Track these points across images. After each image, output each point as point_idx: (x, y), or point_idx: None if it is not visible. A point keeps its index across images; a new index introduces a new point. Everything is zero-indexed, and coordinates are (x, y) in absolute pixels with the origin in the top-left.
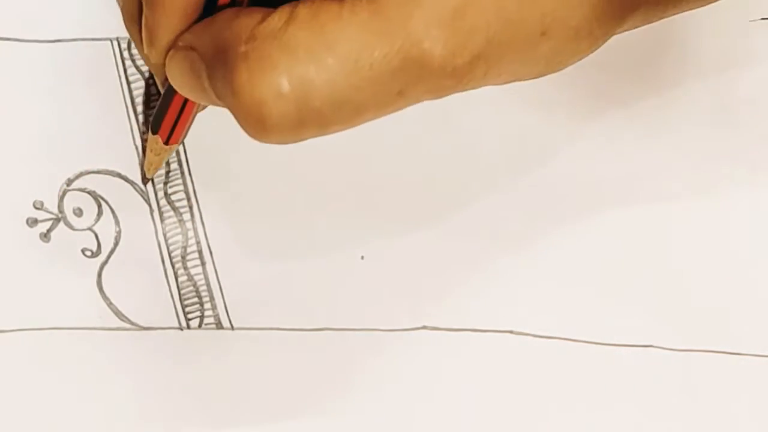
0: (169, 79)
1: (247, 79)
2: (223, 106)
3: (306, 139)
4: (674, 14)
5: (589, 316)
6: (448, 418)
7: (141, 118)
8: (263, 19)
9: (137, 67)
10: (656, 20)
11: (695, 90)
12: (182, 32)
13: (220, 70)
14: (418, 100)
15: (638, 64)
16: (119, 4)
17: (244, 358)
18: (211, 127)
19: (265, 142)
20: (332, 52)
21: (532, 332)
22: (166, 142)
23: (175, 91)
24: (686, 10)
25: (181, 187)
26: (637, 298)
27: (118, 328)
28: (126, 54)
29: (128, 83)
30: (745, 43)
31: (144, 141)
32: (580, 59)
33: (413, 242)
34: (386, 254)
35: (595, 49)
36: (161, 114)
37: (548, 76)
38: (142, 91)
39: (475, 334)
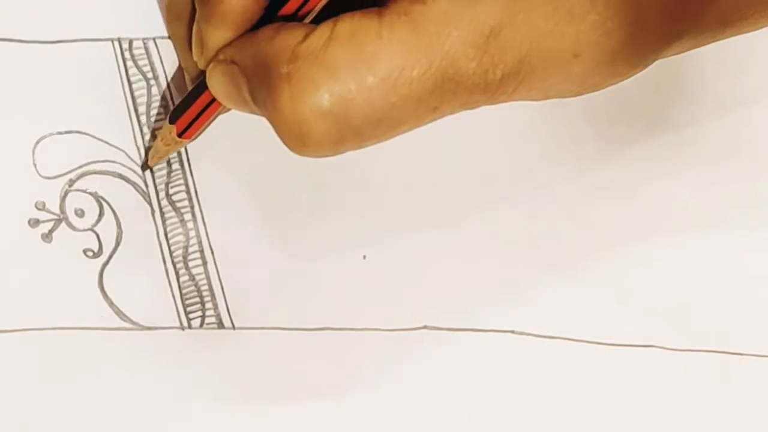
0: (210, 88)
1: (289, 99)
2: (262, 116)
3: (344, 152)
4: (724, 38)
5: (589, 316)
6: (449, 418)
7: (143, 118)
8: (305, 38)
9: (138, 68)
10: (706, 44)
11: (695, 90)
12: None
13: (262, 87)
14: (451, 113)
15: None
16: (163, 2)
17: (246, 357)
18: (213, 128)
19: (305, 156)
20: (372, 71)
21: (533, 332)
22: (180, 135)
23: (204, 88)
24: (735, 35)
25: (183, 188)
26: (638, 298)
27: (119, 328)
28: (127, 54)
29: (129, 84)
30: (746, 44)
31: (155, 130)
32: (622, 80)
33: (415, 242)
34: (388, 254)
35: (637, 72)
36: (184, 107)
37: None
38: (143, 91)
39: (476, 334)
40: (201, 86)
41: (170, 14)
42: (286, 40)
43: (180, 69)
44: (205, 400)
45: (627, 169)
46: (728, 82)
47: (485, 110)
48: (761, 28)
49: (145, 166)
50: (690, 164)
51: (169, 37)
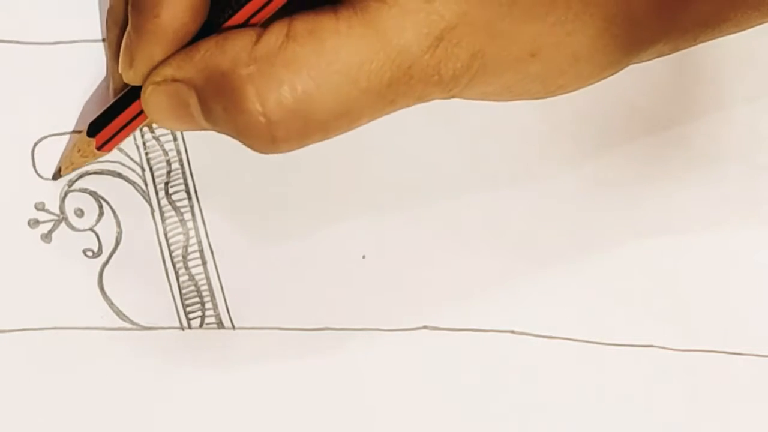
0: (147, 113)
1: (256, 99)
2: (212, 130)
3: (308, 145)
4: (709, 40)
5: (589, 316)
6: (449, 418)
7: None
8: (258, 40)
9: None
10: (689, 46)
11: (695, 90)
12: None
13: (219, 96)
14: (407, 106)
15: (638, 64)
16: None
17: (245, 357)
18: None
19: (271, 153)
20: (333, 67)
21: (533, 332)
22: (99, 148)
23: (129, 104)
24: (718, 38)
25: (182, 187)
26: (638, 298)
27: (119, 328)
28: None
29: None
30: (746, 44)
31: (73, 136)
32: (590, 84)
33: (414, 242)
34: (387, 254)
35: (607, 76)
36: (105, 120)
37: None
38: None
39: (476, 334)
40: (125, 100)
41: (110, 18)
42: (237, 45)
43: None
44: (205, 400)
45: (627, 169)
46: (728, 82)
47: (486, 110)
48: (746, 29)
49: (57, 174)
50: (690, 164)
51: (104, 41)
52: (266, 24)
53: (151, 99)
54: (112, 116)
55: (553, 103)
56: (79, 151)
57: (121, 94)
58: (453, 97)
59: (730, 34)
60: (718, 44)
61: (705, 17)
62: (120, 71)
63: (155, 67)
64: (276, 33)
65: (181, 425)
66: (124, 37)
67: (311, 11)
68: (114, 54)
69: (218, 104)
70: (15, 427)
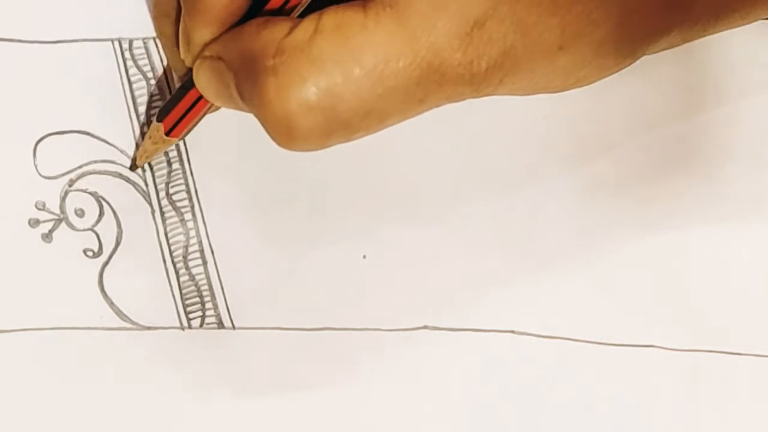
0: (197, 86)
1: (276, 92)
2: (250, 113)
3: (331, 145)
4: (717, 32)
5: (589, 316)
6: (449, 418)
7: (143, 118)
8: (290, 31)
9: (138, 68)
10: (696, 38)
11: (696, 89)
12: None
13: (248, 82)
14: (437, 105)
15: (639, 63)
16: None
17: (246, 357)
18: (213, 127)
19: (292, 150)
20: (358, 63)
21: (534, 332)
22: (167, 134)
23: (191, 86)
24: (725, 30)
25: (183, 187)
26: (637, 298)
27: (119, 328)
28: (127, 54)
29: (130, 83)
30: (746, 44)
31: (144, 128)
32: (609, 75)
33: (415, 242)
34: (388, 254)
35: (625, 66)
36: (171, 105)
37: None
38: (143, 91)
39: (476, 334)
40: (188, 84)
41: (157, 10)
42: (271, 33)
43: (168, 67)
44: (205, 400)
45: (627, 169)
46: (729, 81)
47: (486, 110)
48: (753, 21)
49: (133, 165)
50: (692, 163)
51: (156, 34)
52: (304, 14)
53: (198, 72)
54: (177, 101)
55: (553, 103)
56: (150, 138)
57: (185, 80)
58: (484, 96)
59: (738, 26)
60: (721, 42)
61: (715, 8)
62: (182, 56)
63: (207, 44)
64: (306, 26)
65: (182, 425)
66: (180, 23)
67: (341, 5)
68: (168, 43)
69: (246, 91)
70: (15, 427)
